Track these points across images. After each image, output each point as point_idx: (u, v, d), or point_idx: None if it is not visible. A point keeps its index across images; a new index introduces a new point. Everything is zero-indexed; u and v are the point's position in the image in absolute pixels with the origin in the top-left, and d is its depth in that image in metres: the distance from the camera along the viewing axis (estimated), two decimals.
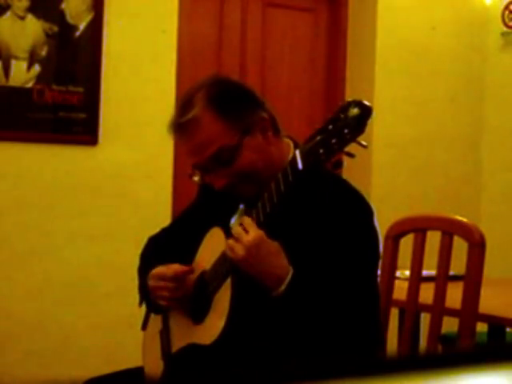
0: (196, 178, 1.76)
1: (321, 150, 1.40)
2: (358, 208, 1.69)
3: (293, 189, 1.51)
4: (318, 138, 1.41)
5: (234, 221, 1.78)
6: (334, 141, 1.39)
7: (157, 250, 2.02)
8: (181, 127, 1.72)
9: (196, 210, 1.99)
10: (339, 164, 1.50)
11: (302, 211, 1.66)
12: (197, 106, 1.69)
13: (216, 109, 1.69)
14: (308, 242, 1.64)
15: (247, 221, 1.58)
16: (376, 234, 1.70)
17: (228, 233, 1.71)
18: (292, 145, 1.76)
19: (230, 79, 1.84)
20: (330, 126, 1.39)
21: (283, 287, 1.57)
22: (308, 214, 1.66)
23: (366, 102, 1.38)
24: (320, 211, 1.64)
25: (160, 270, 1.81)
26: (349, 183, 1.75)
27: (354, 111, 1.37)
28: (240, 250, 1.57)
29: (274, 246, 1.58)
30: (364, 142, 1.40)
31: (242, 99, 1.73)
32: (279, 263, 1.58)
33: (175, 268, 1.79)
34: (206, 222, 1.84)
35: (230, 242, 1.60)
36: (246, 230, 1.57)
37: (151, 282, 1.82)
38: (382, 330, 1.72)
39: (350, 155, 1.42)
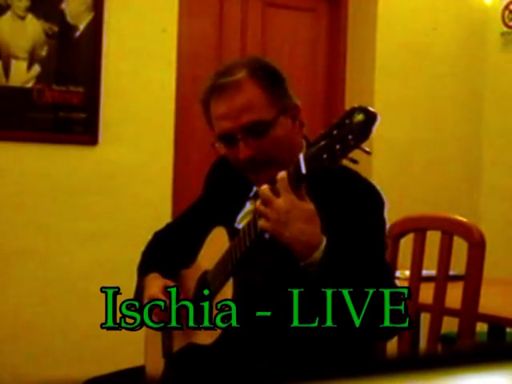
0: (217, 145, 1.74)
1: (324, 156, 1.38)
2: (369, 198, 1.68)
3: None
4: (322, 143, 1.39)
5: (239, 218, 1.78)
6: (337, 147, 1.37)
7: (158, 250, 2.02)
8: (223, 87, 1.70)
9: (201, 207, 1.98)
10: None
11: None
12: (242, 72, 1.70)
13: (260, 79, 1.70)
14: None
15: (280, 184, 1.47)
16: (384, 224, 1.68)
17: (232, 233, 1.70)
18: (305, 145, 1.74)
19: (271, 62, 1.83)
20: (335, 132, 1.37)
21: (318, 254, 1.48)
22: (318, 205, 1.64)
23: (372, 109, 1.36)
24: (330, 202, 1.62)
25: (156, 293, 1.81)
26: (359, 174, 1.73)
27: (359, 117, 1.35)
28: (270, 216, 1.47)
29: (306, 211, 1.48)
30: (368, 149, 1.39)
31: (283, 81, 1.75)
32: (311, 230, 1.48)
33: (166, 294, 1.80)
34: (211, 220, 1.83)
35: (260, 206, 1.49)
36: (277, 194, 1.47)
37: (144, 300, 1.84)
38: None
39: (354, 161, 1.41)
